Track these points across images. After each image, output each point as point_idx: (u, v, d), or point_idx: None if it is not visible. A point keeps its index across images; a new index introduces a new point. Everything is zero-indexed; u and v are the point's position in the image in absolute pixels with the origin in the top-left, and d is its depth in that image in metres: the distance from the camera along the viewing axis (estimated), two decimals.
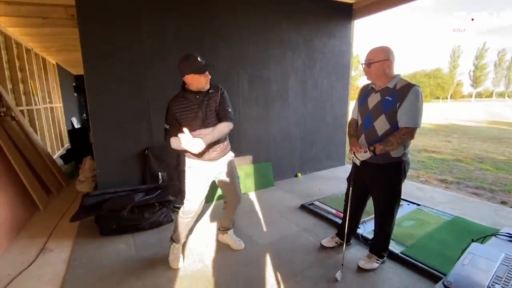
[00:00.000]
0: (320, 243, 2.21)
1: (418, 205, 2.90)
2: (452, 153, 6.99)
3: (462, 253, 0.92)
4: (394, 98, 1.63)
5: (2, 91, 3.54)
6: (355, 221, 2.10)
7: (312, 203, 2.99)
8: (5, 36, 3.92)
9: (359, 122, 1.87)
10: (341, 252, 1.96)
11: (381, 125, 1.69)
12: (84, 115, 9.14)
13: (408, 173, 1.82)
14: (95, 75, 2.68)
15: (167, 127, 1.81)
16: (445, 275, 0.84)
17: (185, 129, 1.69)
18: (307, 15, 3.81)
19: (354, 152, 1.80)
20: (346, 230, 1.97)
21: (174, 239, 2.02)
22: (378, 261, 1.91)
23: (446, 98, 51.89)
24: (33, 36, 4.33)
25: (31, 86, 4.58)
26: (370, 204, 1.97)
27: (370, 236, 2.11)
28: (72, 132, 5.20)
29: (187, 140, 1.67)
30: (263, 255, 2.11)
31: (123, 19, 2.72)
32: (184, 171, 1.97)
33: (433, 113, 20.06)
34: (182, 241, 2.05)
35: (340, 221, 2.34)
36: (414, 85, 1.61)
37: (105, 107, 2.76)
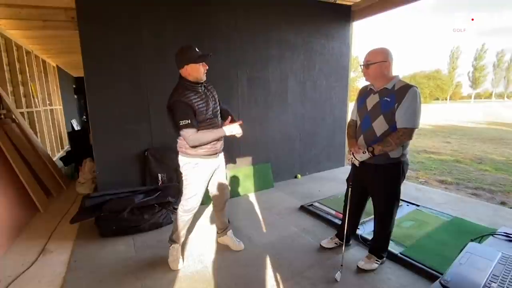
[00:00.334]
0: (320, 244, 2.21)
1: (418, 205, 2.90)
2: (452, 154, 7.00)
3: (459, 253, 0.93)
4: (392, 99, 1.64)
5: (3, 93, 3.56)
6: (354, 222, 2.10)
7: (312, 204, 3.00)
8: (5, 38, 3.94)
9: (358, 123, 1.88)
10: (341, 253, 1.97)
11: (379, 126, 1.70)
12: (84, 117, 9.16)
13: (407, 174, 1.83)
14: (95, 77, 2.69)
15: (188, 121, 1.71)
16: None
17: (229, 117, 1.92)
18: (306, 16, 3.83)
19: (353, 153, 1.80)
20: (345, 231, 1.98)
21: (174, 239, 2.03)
22: (377, 262, 1.91)
23: (446, 99, 52.01)
24: (34, 38, 4.35)
25: (31, 88, 4.60)
26: (369, 205, 1.98)
27: (370, 236, 2.12)
28: (72, 134, 5.20)
29: (234, 127, 1.87)
30: (263, 256, 2.11)
31: (123, 21, 2.74)
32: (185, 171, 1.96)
33: (433, 114, 20.10)
34: (182, 240, 2.06)
35: (339, 222, 2.35)
36: (412, 86, 1.63)
37: (105, 108, 2.77)
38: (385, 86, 1.70)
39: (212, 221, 2.72)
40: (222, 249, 2.21)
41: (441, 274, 1.65)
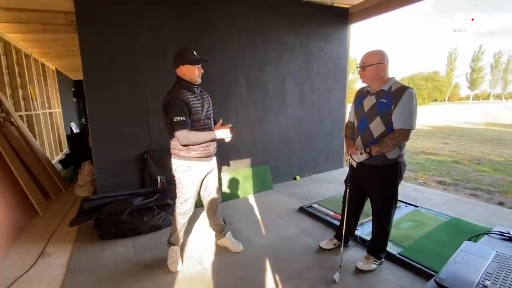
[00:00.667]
0: (319, 245, 2.22)
1: (416, 206, 2.91)
2: (450, 155, 7.02)
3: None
4: (389, 101, 1.66)
5: (2, 96, 3.56)
6: (353, 223, 2.11)
7: (311, 206, 3.01)
8: (4, 42, 3.95)
9: (355, 124, 1.90)
10: (339, 254, 1.97)
11: (376, 127, 1.72)
12: (83, 120, 9.16)
13: (406, 175, 1.85)
14: (94, 80, 2.71)
15: (183, 118, 1.71)
16: None
17: (221, 120, 1.93)
18: (304, 19, 3.86)
19: (350, 154, 1.82)
20: (344, 232, 1.99)
21: (173, 241, 2.03)
22: (376, 262, 1.92)
23: (444, 101, 52.18)
24: (33, 42, 4.37)
25: (30, 91, 4.61)
26: (368, 205, 1.99)
27: (368, 237, 2.12)
28: (71, 137, 5.21)
29: (224, 131, 1.88)
30: (262, 257, 2.12)
31: (122, 25, 2.76)
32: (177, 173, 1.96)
33: (431, 116, 20.16)
34: (181, 242, 2.06)
35: (338, 223, 2.36)
36: (408, 87, 1.65)
37: (104, 111, 2.78)
38: (381, 88, 1.71)
39: (212, 222, 2.72)
40: (221, 251, 2.21)
41: None
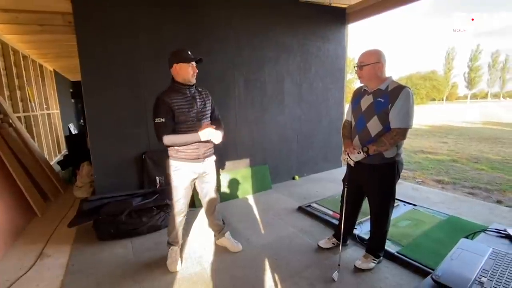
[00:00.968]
0: (317, 244, 2.23)
1: (414, 205, 2.93)
2: (448, 154, 7.04)
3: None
4: (386, 100, 1.67)
5: (0, 98, 3.56)
6: (351, 222, 2.12)
7: (309, 205, 3.01)
8: (2, 43, 3.94)
9: (353, 123, 1.90)
10: (338, 253, 1.98)
11: (374, 126, 1.73)
12: (81, 120, 9.13)
13: (404, 174, 1.86)
14: (92, 81, 2.70)
15: (163, 120, 1.75)
16: None
17: (207, 121, 1.86)
18: (301, 19, 3.87)
19: (348, 153, 1.83)
20: (342, 231, 2.00)
21: (171, 242, 2.04)
22: (374, 261, 1.93)
23: (442, 100, 52.34)
24: (31, 43, 4.35)
25: (28, 92, 4.59)
26: (366, 204, 1.99)
27: (367, 236, 2.13)
28: (69, 138, 5.20)
29: (209, 131, 1.79)
30: (261, 256, 2.12)
31: (120, 25, 2.76)
32: (169, 173, 1.98)
33: (429, 115, 20.22)
34: (179, 241, 2.07)
35: (337, 222, 2.36)
36: (405, 86, 1.65)
37: (102, 112, 2.78)
38: (378, 87, 1.72)
39: (210, 223, 2.72)
40: (220, 251, 2.22)
41: None
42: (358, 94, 1.88)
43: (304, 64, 4.00)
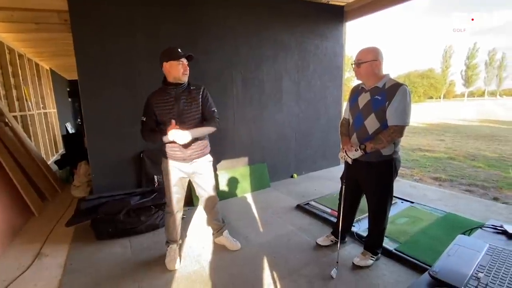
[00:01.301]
0: (316, 242, 2.23)
1: (412, 202, 2.94)
2: (446, 151, 7.09)
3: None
4: (383, 97, 1.67)
5: None
6: (349, 219, 2.13)
7: (308, 203, 3.02)
8: None
9: (351, 121, 1.91)
10: (336, 250, 1.99)
11: (371, 123, 1.73)
12: (79, 120, 9.08)
13: (402, 172, 1.86)
14: (89, 80, 2.69)
15: (144, 119, 1.87)
16: None
17: (173, 121, 1.77)
18: (299, 17, 3.86)
19: (345, 151, 1.83)
20: (340, 228, 2.00)
21: (168, 240, 2.04)
22: (372, 258, 1.94)
23: (439, 98, 52.54)
24: (26, 41, 4.31)
25: (24, 91, 4.56)
26: (364, 202, 2.00)
27: (365, 233, 2.14)
28: (66, 137, 5.16)
29: (175, 132, 1.72)
30: (259, 254, 2.13)
31: (117, 23, 2.74)
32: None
33: (427, 113, 20.29)
34: (177, 239, 2.07)
35: (335, 220, 2.37)
36: (402, 84, 1.66)
37: (100, 111, 2.76)
38: (376, 85, 1.72)
39: (208, 221, 2.73)
40: (219, 249, 2.22)
41: None
42: (356, 92, 1.88)
43: (302, 62, 3.99)
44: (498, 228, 1.06)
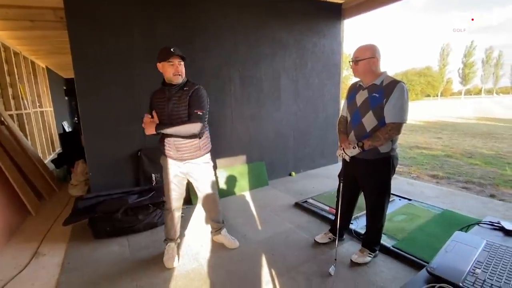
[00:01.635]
0: (314, 239, 2.24)
1: (409, 200, 2.96)
2: (443, 149, 7.12)
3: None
4: (381, 95, 1.67)
5: None
6: (347, 217, 2.13)
7: (306, 201, 3.03)
8: None
9: (349, 119, 1.91)
10: (334, 248, 1.99)
11: (369, 121, 1.73)
12: (75, 118, 9.03)
13: (400, 169, 1.87)
14: (85, 78, 2.66)
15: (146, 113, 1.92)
16: None
17: (154, 113, 1.86)
18: (297, 15, 3.85)
19: (343, 148, 1.83)
20: (338, 226, 2.01)
21: (167, 238, 2.05)
22: (370, 255, 1.95)
23: (437, 96, 52.73)
24: (22, 39, 4.27)
25: (20, 90, 4.52)
26: (362, 199, 2.01)
27: (363, 231, 2.15)
28: (63, 135, 5.13)
29: (144, 121, 1.83)
30: (258, 252, 2.13)
31: (113, 21, 2.71)
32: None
33: (424, 111, 20.36)
34: (175, 238, 2.07)
35: (333, 218, 2.38)
36: (399, 81, 1.66)
37: (96, 110, 2.74)
38: (373, 82, 1.72)
39: (207, 220, 2.72)
40: (217, 247, 2.22)
41: None
42: (354, 89, 1.88)
43: (300, 60, 3.98)
44: (495, 224, 1.07)
